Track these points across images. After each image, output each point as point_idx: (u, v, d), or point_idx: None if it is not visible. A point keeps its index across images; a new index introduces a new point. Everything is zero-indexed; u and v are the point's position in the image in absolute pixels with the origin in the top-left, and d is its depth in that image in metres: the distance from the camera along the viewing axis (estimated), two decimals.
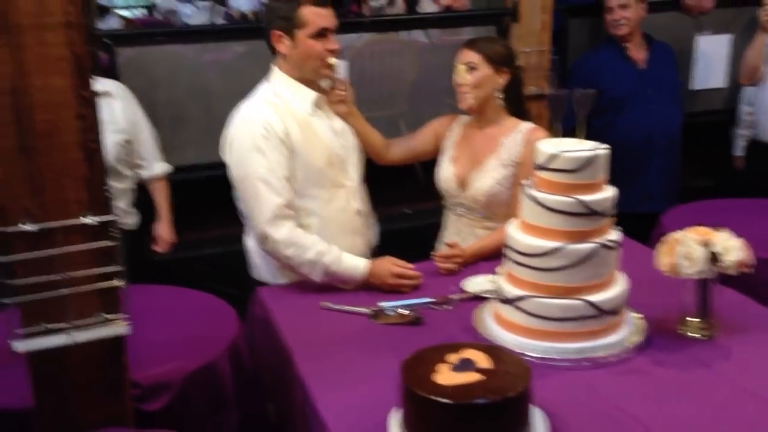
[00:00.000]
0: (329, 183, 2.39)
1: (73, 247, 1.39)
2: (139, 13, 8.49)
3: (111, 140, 2.88)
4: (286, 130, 2.27)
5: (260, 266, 2.46)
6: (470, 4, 4.04)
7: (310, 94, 2.37)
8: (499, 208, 2.47)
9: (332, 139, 2.41)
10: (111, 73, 3.22)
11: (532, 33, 3.68)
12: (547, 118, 3.70)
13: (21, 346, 1.41)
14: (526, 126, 2.47)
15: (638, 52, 3.69)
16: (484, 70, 2.41)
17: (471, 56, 2.42)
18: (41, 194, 1.36)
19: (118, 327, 1.46)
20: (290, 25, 2.27)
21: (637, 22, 3.63)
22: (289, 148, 2.27)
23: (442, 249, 2.59)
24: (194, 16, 5.02)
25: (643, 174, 3.59)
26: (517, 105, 2.50)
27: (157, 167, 3.14)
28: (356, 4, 4.65)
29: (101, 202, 1.41)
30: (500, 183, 2.44)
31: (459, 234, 2.55)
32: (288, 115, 2.30)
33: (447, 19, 3.93)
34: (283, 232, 2.23)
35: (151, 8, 6.21)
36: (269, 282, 2.42)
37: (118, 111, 2.93)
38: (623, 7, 3.57)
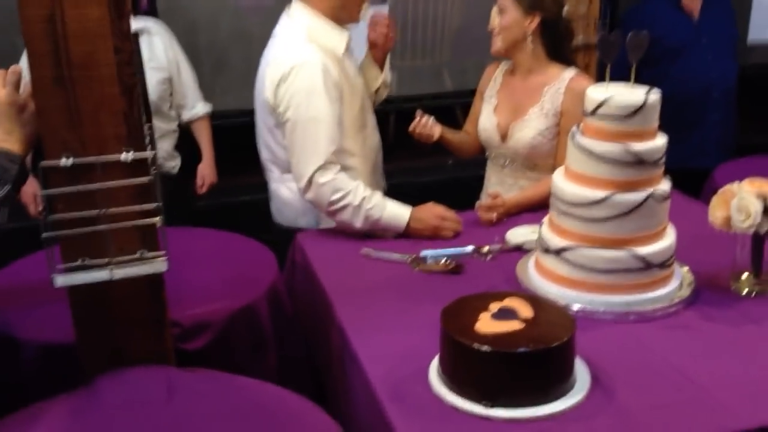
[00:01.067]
0: (362, 123, 2.39)
1: (111, 183, 1.38)
2: None
3: (153, 78, 2.87)
4: (337, 74, 2.23)
5: (304, 211, 2.41)
6: None
7: (345, 35, 2.32)
8: (541, 159, 2.41)
9: (358, 81, 2.41)
10: (151, 15, 3.19)
11: None
12: (596, 68, 3.60)
13: (61, 280, 1.41)
14: (569, 74, 2.38)
15: (692, 2, 3.54)
16: (513, 13, 2.34)
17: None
18: (79, 128, 1.34)
19: (157, 264, 1.45)
20: None
21: None
22: (339, 93, 2.24)
23: (485, 200, 2.55)
24: None
25: (697, 128, 3.47)
26: (553, 50, 2.41)
27: (199, 107, 3.12)
28: None
29: (140, 139, 1.38)
30: (542, 134, 2.38)
31: (502, 185, 2.50)
32: (329, 57, 2.25)
33: None
34: (329, 176, 2.20)
35: None
36: (310, 227, 2.40)
37: (159, 49, 2.91)
38: None
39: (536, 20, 2.34)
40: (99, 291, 1.45)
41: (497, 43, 2.40)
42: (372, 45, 2.47)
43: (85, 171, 1.37)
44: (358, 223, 2.22)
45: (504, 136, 2.45)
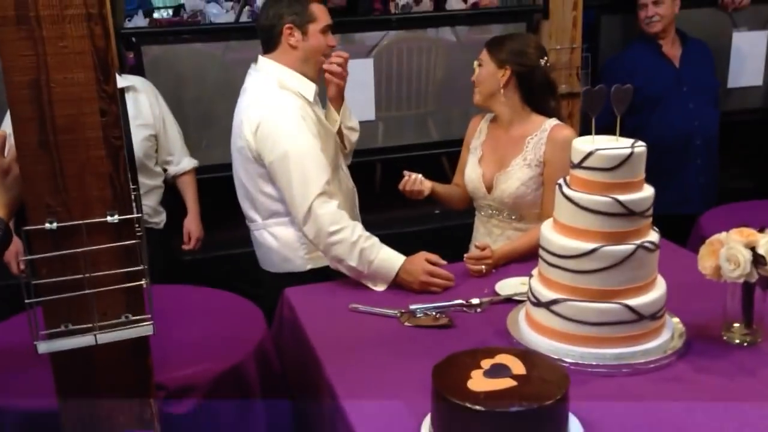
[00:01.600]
0: (336, 165, 2.47)
1: (96, 247, 1.36)
2: (166, 14, 8.52)
3: (138, 135, 2.87)
4: (310, 116, 2.35)
5: (290, 256, 2.43)
6: (499, 2, 3.96)
7: (312, 85, 2.44)
8: (527, 209, 2.43)
9: (329, 126, 2.49)
10: (137, 72, 3.21)
11: (562, 30, 3.63)
12: (579, 116, 3.64)
13: (44, 347, 1.38)
14: (550, 123, 2.41)
15: (672, 50, 3.61)
16: (488, 66, 2.42)
17: (482, 54, 2.46)
18: (64, 192, 1.33)
19: (142, 328, 1.42)
20: (303, 20, 2.38)
21: (670, 19, 3.55)
22: (317, 131, 2.34)
23: (473, 250, 2.54)
24: (221, 15, 4.99)
25: (680, 175, 3.50)
26: (531, 101, 2.44)
27: (185, 162, 3.12)
28: (381, 2, 4.60)
29: (125, 200, 1.37)
30: (526, 184, 2.40)
31: (490, 235, 2.51)
32: (302, 101, 2.36)
33: (476, 16, 3.86)
34: (328, 207, 2.23)
35: (179, 9, 6.22)
36: (297, 271, 2.43)
37: (144, 106, 2.92)
38: (656, 3, 3.49)
39: (507, 73, 2.39)
40: (82, 356, 1.42)
41: (476, 95, 2.48)
42: (327, 80, 2.51)
43: (69, 235, 1.35)
44: (352, 261, 2.21)
45: (489, 188, 2.47)
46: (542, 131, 2.40)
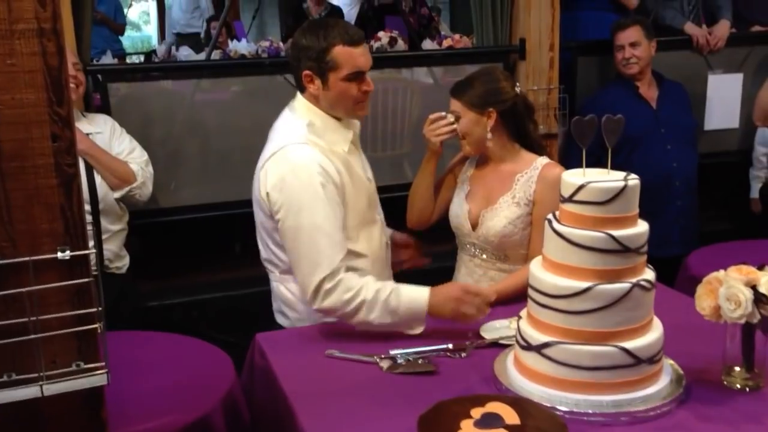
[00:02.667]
0: (369, 221, 2.27)
1: (45, 286, 1.22)
2: (137, 60, 8.46)
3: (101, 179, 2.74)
4: (338, 174, 2.12)
5: (303, 312, 2.23)
6: (474, 43, 3.92)
7: (348, 134, 2.21)
8: (512, 249, 2.32)
9: (365, 176, 2.29)
10: (103, 111, 3.09)
11: (539, 71, 3.60)
12: (558, 157, 3.58)
13: None
14: (541, 162, 2.33)
15: (649, 91, 3.60)
16: (468, 116, 2.32)
17: (454, 104, 2.35)
18: (9, 224, 1.19)
19: (96, 377, 1.28)
20: (322, 68, 2.11)
21: (647, 61, 3.55)
22: (341, 195, 2.13)
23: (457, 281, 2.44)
24: (192, 57, 4.92)
25: (660, 217, 3.44)
26: (517, 134, 2.36)
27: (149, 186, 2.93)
28: None
29: (78, 235, 1.24)
30: (513, 223, 2.30)
31: (472, 276, 2.40)
32: (332, 155, 2.14)
33: (451, 56, 3.81)
34: (336, 279, 2.03)
35: (150, 54, 6.16)
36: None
37: (105, 146, 2.78)
38: (633, 45, 3.49)
39: (493, 116, 2.30)
40: (28, 409, 1.27)
41: (465, 147, 2.37)
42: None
43: (14, 272, 1.21)
44: (377, 318, 2.02)
45: (474, 225, 2.37)
46: (533, 169, 2.31)
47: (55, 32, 1.16)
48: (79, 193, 1.24)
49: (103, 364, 1.29)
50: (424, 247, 2.59)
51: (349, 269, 2.08)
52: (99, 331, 1.31)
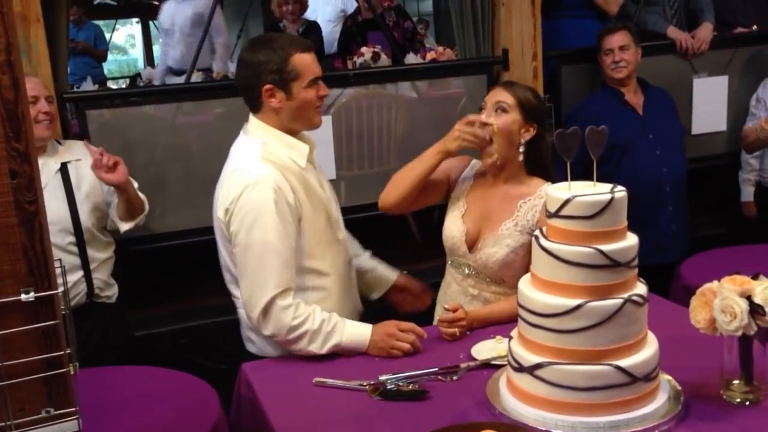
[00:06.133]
0: (331, 240, 2.23)
1: (8, 330, 1.16)
2: (124, 84, 8.41)
3: (84, 207, 2.70)
4: (293, 193, 2.09)
5: (257, 339, 2.21)
6: (458, 55, 3.89)
7: (304, 148, 2.18)
8: (511, 274, 2.20)
9: (323, 194, 2.24)
10: (82, 137, 3.03)
11: (523, 81, 3.54)
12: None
13: None
14: (546, 190, 2.22)
15: (635, 98, 3.57)
16: (514, 115, 2.18)
17: (504, 96, 2.20)
18: None
19: (67, 424, 1.22)
20: (284, 78, 2.09)
21: (635, 66, 3.52)
22: (296, 213, 2.10)
23: (439, 311, 2.37)
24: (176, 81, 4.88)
25: (652, 224, 3.41)
26: (535, 164, 2.24)
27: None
28: (341, 59, 4.52)
29: (43, 274, 1.18)
30: (515, 251, 2.20)
31: (464, 294, 2.31)
32: (288, 172, 2.12)
33: (435, 69, 3.77)
34: (286, 302, 2.03)
35: (135, 77, 6.11)
36: (269, 355, 2.18)
37: (86, 173, 2.71)
38: (623, 48, 3.46)
39: (532, 131, 2.21)
40: None
41: (488, 157, 2.20)
42: None
43: None
44: (316, 348, 2.04)
45: (471, 247, 2.27)
46: (538, 197, 2.20)
47: (10, 64, 1.10)
48: (42, 231, 1.18)
49: (75, 409, 1.23)
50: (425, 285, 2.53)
51: (312, 289, 2.10)
52: (71, 372, 1.25)
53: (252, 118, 2.20)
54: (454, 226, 2.31)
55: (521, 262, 2.18)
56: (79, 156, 2.74)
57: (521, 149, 2.20)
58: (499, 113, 2.19)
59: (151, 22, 10.01)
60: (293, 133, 2.18)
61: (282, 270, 2.03)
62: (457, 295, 2.33)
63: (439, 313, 2.38)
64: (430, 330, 2.15)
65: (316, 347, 2.04)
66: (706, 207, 4.07)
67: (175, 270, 3.32)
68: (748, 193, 3.89)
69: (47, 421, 1.21)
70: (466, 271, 2.31)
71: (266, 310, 2.02)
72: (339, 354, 2.06)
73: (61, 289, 1.23)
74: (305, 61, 2.12)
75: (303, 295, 2.10)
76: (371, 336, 2.05)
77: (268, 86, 2.10)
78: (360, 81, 3.54)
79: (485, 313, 2.18)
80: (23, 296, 1.17)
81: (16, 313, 1.17)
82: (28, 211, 1.15)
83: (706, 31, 3.97)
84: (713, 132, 4.12)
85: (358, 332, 2.07)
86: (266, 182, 2.04)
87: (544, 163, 2.25)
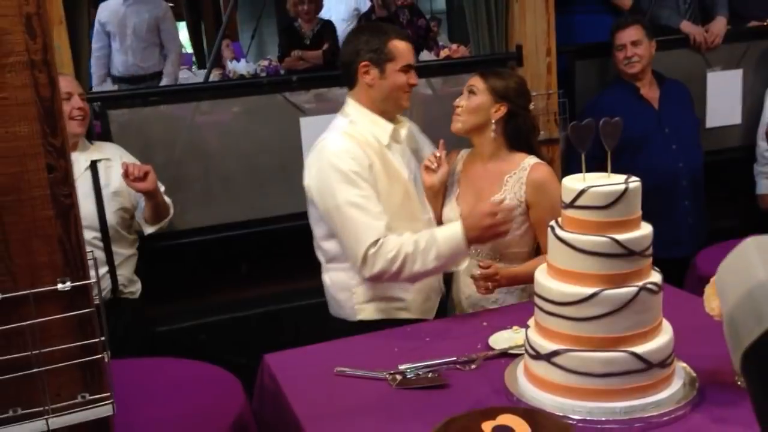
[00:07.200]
0: (408, 217, 2.35)
1: (46, 318, 1.21)
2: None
3: (111, 205, 2.76)
4: (368, 164, 2.27)
5: (342, 302, 2.39)
6: (472, 51, 3.92)
7: (388, 126, 2.36)
8: (505, 249, 2.33)
9: (407, 173, 2.40)
10: (104, 138, 3.09)
11: (537, 76, 3.58)
12: (561, 161, 3.57)
13: None
14: (529, 162, 2.34)
15: (651, 91, 3.56)
16: (482, 97, 2.36)
17: (475, 81, 2.40)
18: (8, 258, 1.18)
19: (101, 408, 1.26)
20: (380, 58, 2.31)
21: (648, 60, 3.51)
22: (372, 182, 2.26)
23: (458, 292, 2.46)
24: (192, 80, 4.94)
25: (668, 218, 3.41)
26: (515, 142, 2.39)
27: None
28: None
29: (78, 265, 1.23)
30: None
31: (468, 273, 2.37)
32: (367, 147, 2.30)
33: (449, 66, 3.80)
34: (381, 245, 2.17)
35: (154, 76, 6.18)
36: (348, 319, 2.38)
37: (115, 173, 2.77)
38: (635, 44, 3.46)
39: (502, 110, 2.34)
40: None
41: (457, 124, 2.39)
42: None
43: (15, 306, 1.20)
44: (422, 266, 2.17)
45: None
46: (521, 170, 2.34)
47: (46, 63, 1.16)
48: (77, 224, 1.24)
49: (109, 394, 1.27)
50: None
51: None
52: (106, 360, 1.30)
53: (348, 99, 2.40)
54: (449, 209, 2.44)
55: (512, 235, 2.30)
56: (109, 156, 2.80)
57: (493, 127, 2.34)
58: (469, 95, 2.38)
59: None
60: (385, 114, 2.37)
61: (372, 222, 2.18)
62: (464, 275, 2.42)
63: (460, 290, 2.46)
64: (448, 321, 2.19)
65: (420, 265, 2.16)
66: (721, 199, 4.07)
67: (194, 267, 3.37)
68: (763, 186, 3.88)
69: (82, 405, 1.26)
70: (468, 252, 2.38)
71: (365, 259, 2.17)
72: (358, 344, 2.10)
73: (93, 279, 1.28)
74: (402, 48, 2.34)
75: None
76: (462, 230, 2.17)
77: (364, 63, 2.31)
78: None
79: (512, 272, 2.29)
80: (60, 286, 1.21)
81: (53, 302, 1.22)
82: (64, 204, 1.20)
83: (719, 25, 3.97)
84: (728, 125, 4.12)
85: (449, 234, 2.19)
86: (342, 152, 2.25)
87: (525, 138, 2.39)
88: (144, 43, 4.85)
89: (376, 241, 2.16)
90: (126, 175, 2.63)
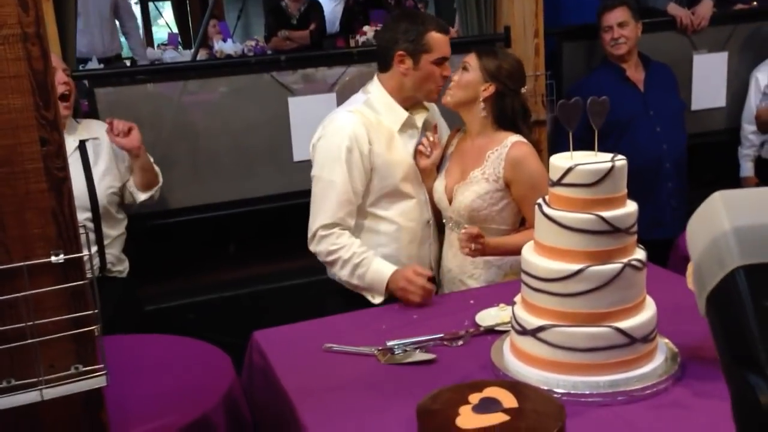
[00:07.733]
0: (403, 195, 2.45)
1: (40, 290, 1.22)
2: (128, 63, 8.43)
3: (100, 184, 2.75)
4: (369, 145, 2.35)
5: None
6: (459, 32, 3.93)
7: (403, 114, 2.43)
8: (482, 223, 2.36)
9: (411, 157, 2.46)
10: (91, 117, 3.08)
11: (525, 58, 3.58)
12: (548, 143, 3.59)
13: None
14: (511, 140, 2.36)
15: (636, 74, 3.59)
16: (474, 74, 2.38)
17: (470, 58, 2.42)
18: (1, 231, 1.20)
19: (94, 379, 1.28)
20: (417, 49, 2.36)
21: (634, 42, 3.54)
22: (368, 164, 2.36)
23: (444, 271, 2.51)
24: (178, 59, 4.91)
25: (651, 200, 3.45)
26: (502, 122, 2.40)
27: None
28: (343, 38, 4.55)
29: (71, 238, 1.24)
30: (482, 198, 2.35)
31: (451, 247, 2.46)
32: (376, 127, 2.38)
33: None
34: (330, 231, 2.33)
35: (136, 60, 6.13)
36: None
37: (104, 150, 2.78)
38: (621, 25, 3.48)
39: (491, 89, 2.35)
40: (28, 414, 1.28)
41: (446, 97, 2.42)
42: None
43: (9, 278, 1.21)
44: (345, 276, 2.33)
45: (450, 199, 2.43)
46: (503, 147, 2.36)
47: (39, 36, 1.16)
48: (70, 197, 1.25)
49: (102, 366, 1.29)
50: None
51: (367, 230, 2.42)
52: (96, 333, 1.31)
53: (375, 78, 2.47)
54: (438, 183, 2.49)
55: (489, 209, 2.36)
56: (98, 135, 2.80)
57: (482, 105, 2.37)
58: (462, 71, 2.40)
59: None
60: (412, 100, 2.45)
61: (336, 207, 2.32)
62: (447, 248, 2.49)
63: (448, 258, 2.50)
64: (435, 299, 2.22)
65: (345, 274, 2.33)
66: (705, 182, 4.11)
67: (182, 246, 3.37)
68: (747, 169, 3.94)
69: (76, 377, 1.27)
70: (450, 225, 2.47)
71: (314, 235, 2.35)
72: (348, 321, 2.12)
73: (86, 252, 1.29)
74: (439, 41, 2.38)
75: (360, 234, 2.40)
76: (390, 275, 2.26)
77: (401, 52, 2.36)
78: (363, 59, 3.57)
79: (498, 241, 2.33)
80: (53, 258, 1.23)
81: (47, 274, 1.23)
82: (58, 177, 1.21)
83: (706, 7, 4.00)
84: (713, 108, 4.16)
85: (380, 269, 2.30)
86: (344, 130, 2.33)
87: (511, 117, 2.41)
88: (109, 24, 4.80)
89: (331, 225, 2.32)
90: (111, 129, 2.66)
